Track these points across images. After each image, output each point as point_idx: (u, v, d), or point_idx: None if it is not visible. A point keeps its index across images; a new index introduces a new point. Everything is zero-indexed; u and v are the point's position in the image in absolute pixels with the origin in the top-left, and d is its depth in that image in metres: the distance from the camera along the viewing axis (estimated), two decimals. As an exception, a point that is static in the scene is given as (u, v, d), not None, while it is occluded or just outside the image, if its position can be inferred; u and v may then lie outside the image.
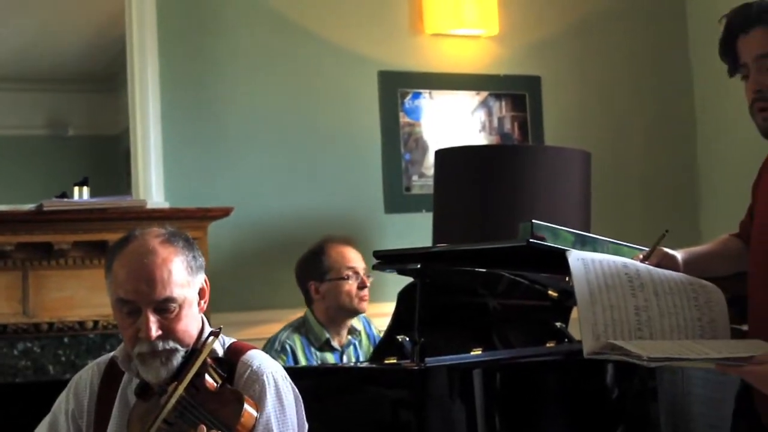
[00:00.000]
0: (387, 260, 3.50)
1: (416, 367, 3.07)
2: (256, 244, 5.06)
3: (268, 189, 5.09)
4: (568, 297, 3.72)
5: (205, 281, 2.58)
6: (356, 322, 4.32)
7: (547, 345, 3.72)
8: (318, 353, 4.17)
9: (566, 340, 3.83)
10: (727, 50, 2.51)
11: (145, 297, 2.42)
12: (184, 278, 2.48)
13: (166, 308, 2.44)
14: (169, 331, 2.45)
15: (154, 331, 2.42)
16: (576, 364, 3.44)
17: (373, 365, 3.53)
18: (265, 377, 2.51)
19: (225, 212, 4.70)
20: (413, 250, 3.59)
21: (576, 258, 2.42)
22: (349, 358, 4.23)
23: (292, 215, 5.12)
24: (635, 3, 5.89)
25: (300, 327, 4.22)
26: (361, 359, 4.20)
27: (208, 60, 5.05)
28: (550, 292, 3.82)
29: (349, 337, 4.26)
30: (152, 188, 4.84)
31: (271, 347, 4.14)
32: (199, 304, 2.55)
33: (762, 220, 2.55)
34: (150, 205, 4.66)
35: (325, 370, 3.87)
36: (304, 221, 5.06)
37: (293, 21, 5.21)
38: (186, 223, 4.49)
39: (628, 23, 5.86)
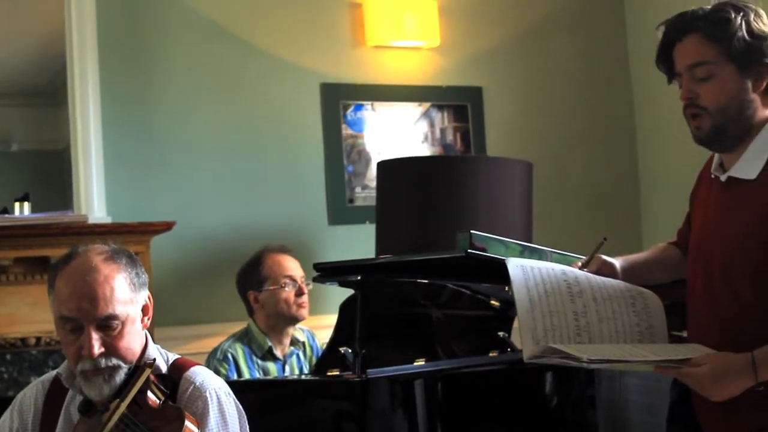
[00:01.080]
0: (327, 272, 3.51)
1: (357, 379, 3.08)
2: (199, 257, 5.05)
3: (210, 202, 5.09)
4: (510, 307, 3.75)
5: (149, 298, 2.58)
6: (299, 334, 4.34)
7: (491, 354, 3.75)
8: (260, 362, 4.20)
9: (509, 349, 3.86)
10: (664, 58, 2.56)
11: (87, 314, 2.42)
12: (126, 295, 2.48)
13: (108, 325, 2.44)
14: (111, 349, 2.45)
15: (97, 349, 2.42)
16: (517, 372, 3.47)
17: (315, 377, 3.54)
18: (207, 394, 2.51)
19: (167, 226, 4.69)
20: (352, 262, 3.61)
21: (515, 265, 2.45)
22: (291, 368, 4.25)
23: (235, 228, 5.12)
24: (575, 13, 5.94)
25: (243, 337, 4.25)
26: (305, 370, 4.22)
27: (149, 74, 5.04)
28: (492, 302, 3.85)
29: (292, 347, 4.29)
30: (94, 203, 4.82)
31: (213, 356, 4.17)
32: (142, 320, 2.55)
33: (699, 228, 2.60)
34: (92, 220, 4.65)
35: (267, 383, 3.87)
36: (247, 234, 5.06)
37: (234, 35, 5.21)
38: (128, 237, 4.49)
39: (568, 33, 5.91)
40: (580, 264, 2.64)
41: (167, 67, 5.08)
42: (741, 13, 2.45)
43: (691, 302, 2.59)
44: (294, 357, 4.29)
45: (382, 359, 3.38)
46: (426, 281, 3.60)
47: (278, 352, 4.24)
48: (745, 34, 2.43)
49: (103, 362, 2.44)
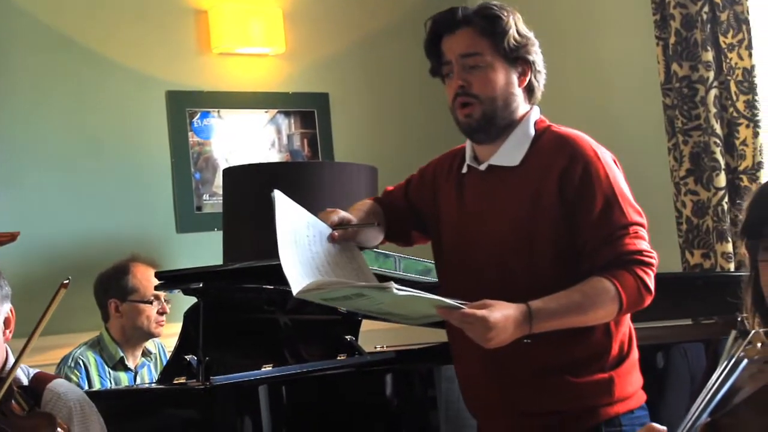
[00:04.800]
0: (170, 280, 3.52)
1: (202, 387, 3.09)
2: (45, 268, 4.97)
3: (56, 212, 5.02)
4: (355, 312, 3.78)
5: (11, 311, 2.58)
6: (151, 345, 4.34)
7: (339, 358, 3.78)
8: (112, 372, 4.17)
9: (356, 353, 3.91)
10: (432, 50, 2.72)
11: None
12: None
13: (-29, 338, 2.44)
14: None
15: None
16: (362, 376, 3.51)
17: (161, 386, 3.53)
18: (72, 404, 2.56)
19: (11, 237, 4.60)
20: (194, 269, 3.62)
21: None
22: (142, 379, 4.24)
23: (83, 238, 5.06)
24: (418, 20, 5.94)
25: (95, 345, 4.23)
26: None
27: (-10, 83, 4.96)
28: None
29: (143, 359, 4.28)
30: (-66, 214, 4.73)
31: (64, 364, 4.14)
32: (4, 333, 2.57)
33: (455, 216, 2.75)
34: (-69, 232, 4.55)
35: (115, 392, 3.85)
36: (95, 244, 5.01)
37: (78, 43, 5.15)
38: (-29, 249, 4.40)
39: (411, 40, 5.93)
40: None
41: (9, 76, 4.98)
42: (510, 14, 2.66)
43: (451, 284, 2.73)
44: (145, 368, 4.28)
45: (230, 366, 3.39)
46: (271, 287, 3.62)
47: (130, 363, 4.23)
48: (516, 33, 2.64)
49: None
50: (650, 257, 2.54)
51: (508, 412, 2.66)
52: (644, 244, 2.56)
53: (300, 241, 2.55)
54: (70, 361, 4.14)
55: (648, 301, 2.54)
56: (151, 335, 4.27)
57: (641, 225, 2.59)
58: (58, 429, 2.41)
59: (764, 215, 1.99)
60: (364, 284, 2.43)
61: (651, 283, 2.53)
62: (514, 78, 2.66)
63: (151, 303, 4.23)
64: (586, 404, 2.60)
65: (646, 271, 2.52)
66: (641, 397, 2.70)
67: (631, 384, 2.67)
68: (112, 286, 4.28)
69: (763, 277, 1.99)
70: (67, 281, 2.51)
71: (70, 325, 4.82)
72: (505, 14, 2.66)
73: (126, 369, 4.22)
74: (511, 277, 2.58)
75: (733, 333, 1.84)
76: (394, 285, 2.30)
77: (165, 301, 4.29)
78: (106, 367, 4.18)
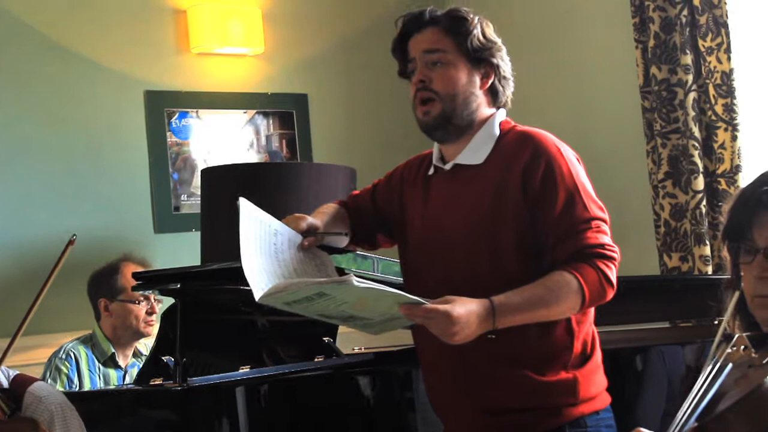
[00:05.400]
0: (147, 281, 3.51)
1: (178, 388, 3.08)
2: (23, 268, 4.94)
3: (34, 212, 4.99)
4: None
5: None
6: (142, 347, 4.36)
7: (316, 359, 3.78)
8: (102, 368, 4.19)
9: (334, 354, 3.90)
10: (399, 49, 2.78)
11: None
12: None
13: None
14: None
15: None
16: (340, 377, 3.51)
17: (138, 387, 3.52)
18: (54, 408, 2.56)
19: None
20: (170, 270, 3.61)
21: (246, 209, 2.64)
22: (131, 379, 4.24)
23: (61, 238, 4.99)
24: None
25: (87, 341, 4.28)
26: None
27: (-32, 81, 4.94)
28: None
29: (134, 359, 4.30)
30: None
31: (55, 355, 4.19)
32: None
33: (421, 218, 2.77)
34: None
35: (92, 394, 3.83)
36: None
37: (56, 42, 5.13)
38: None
39: (390, 40, 5.97)
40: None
41: (-11, 74, 4.98)
42: (476, 17, 2.71)
43: (416, 284, 2.74)
44: (135, 368, 4.29)
45: (208, 367, 3.38)
46: (249, 288, 3.60)
47: (120, 361, 4.25)
48: (480, 35, 2.69)
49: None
50: (612, 251, 2.56)
51: (474, 411, 2.66)
52: (606, 239, 2.58)
53: (266, 249, 2.55)
54: (61, 353, 4.18)
55: (610, 294, 2.56)
56: (140, 335, 4.29)
57: (603, 220, 2.61)
58: None
59: (745, 218, 2.00)
60: (323, 280, 2.43)
61: (613, 277, 2.55)
62: (477, 79, 2.70)
63: (139, 303, 4.24)
64: (551, 403, 2.62)
65: (607, 264, 2.54)
66: (606, 399, 2.71)
67: (595, 385, 2.68)
68: (103, 285, 4.31)
69: (744, 280, 2.00)
70: (74, 237, 2.52)
71: (45, 326, 4.80)
72: (472, 17, 2.71)
73: (116, 366, 4.25)
74: (476, 275, 2.60)
75: (717, 337, 1.84)
76: (354, 277, 2.30)
77: (155, 300, 4.29)
78: (96, 363, 4.21)
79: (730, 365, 1.79)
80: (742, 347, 1.80)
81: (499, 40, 2.74)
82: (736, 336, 1.79)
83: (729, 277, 2.10)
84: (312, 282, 2.41)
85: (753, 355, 1.83)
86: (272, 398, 3.23)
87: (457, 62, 2.68)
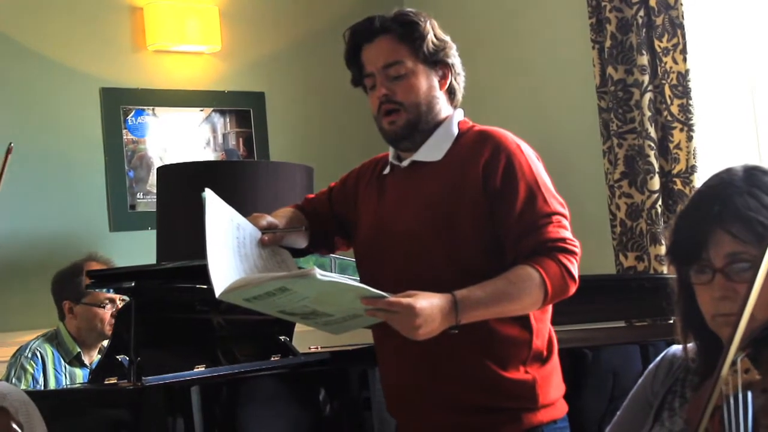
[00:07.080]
0: (101, 279, 3.49)
1: (132, 387, 3.06)
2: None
3: (-13, 209, 4.96)
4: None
5: None
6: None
7: (272, 359, 3.77)
8: (68, 367, 4.16)
9: (290, 353, 3.89)
10: (353, 60, 2.77)
11: None
12: None
13: None
14: None
15: None
16: (296, 377, 3.50)
17: (92, 386, 3.50)
18: (18, 405, 2.56)
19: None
20: (125, 269, 3.60)
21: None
22: (90, 378, 4.23)
23: (15, 237, 5.00)
24: (355, 20, 6.00)
25: (52, 339, 4.24)
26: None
27: None
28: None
29: (99, 356, 4.26)
30: None
31: (21, 354, 4.14)
32: None
33: (373, 216, 2.77)
34: None
35: (45, 393, 3.81)
36: (28, 243, 4.96)
37: (10, 37, 5.09)
38: None
39: (349, 40, 5.99)
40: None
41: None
42: (426, 20, 2.71)
43: (374, 282, 2.66)
44: (100, 367, 4.27)
45: (163, 366, 3.36)
46: (205, 287, 3.59)
47: (86, 359, 4.23)
48: (433, 37, 2.69)
49: None
50: (573, 245, 2.57)
51: (432, 409, 2.65)
52: (567, 233, 2.59)
53: (229, 242, 2.53)
54: (27, 351, 4.13)
55: (573, 289, 2.56)
56: (106, 337, 4.25)
57: (563, 215, 2.62)
58: (12, 423, 2.40)
59: (697, 237, 1.93)
60: (286, 274, 2.42)
61: (575, 271, 2.55)
62: (435, 81, 2.71)
63: (104, 307, 4.20)
64: (510, 406, 2.61)
65: (569, 258, 2.55)
66: (563, 407, 2.71)
67: (553, 389, 2.68)
68: (66, 287, 4.26)
69: (701, 300, 1.95)
70: (11, 145, 2.51)
71: (6, 324, 4.79)
72: (422, 19, 2.70)
73: (82, 365, 4.23)
74: (433, 271, 2.59)
75: (725, 369, 1.75)
76: (317, 270, 2.29)
77: (121, 301, 4.25)
78: (62, 362, 4.18)
79: (749, 393, 1.73)
80: (746, 370, 1.74)
81: (447, 38, 2.74)
82: (739, 359, 1.74)
83: (677, 296, 2.04)
84: (275, 276, 2.39)
85: (756, 377, 1.75)
86: (228, 397, 3.22)
87: (416, 69, 2.68)
